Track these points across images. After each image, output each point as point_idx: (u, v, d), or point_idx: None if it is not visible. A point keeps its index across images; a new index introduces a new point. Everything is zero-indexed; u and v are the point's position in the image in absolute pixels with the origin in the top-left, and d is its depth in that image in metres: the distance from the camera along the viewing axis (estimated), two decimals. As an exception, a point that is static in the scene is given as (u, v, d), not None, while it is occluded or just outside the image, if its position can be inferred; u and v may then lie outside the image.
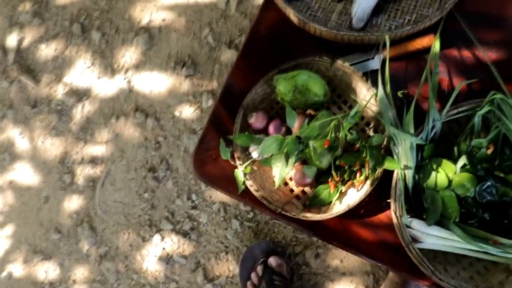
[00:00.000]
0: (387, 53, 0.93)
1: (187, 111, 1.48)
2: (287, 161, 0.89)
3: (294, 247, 1.33)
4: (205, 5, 1.55)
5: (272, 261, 1.24)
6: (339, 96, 1.05)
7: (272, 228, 1.35)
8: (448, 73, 0.98)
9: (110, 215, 1.51)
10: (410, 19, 1.03)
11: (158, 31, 1.58)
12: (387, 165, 0.89)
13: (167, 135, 1.48)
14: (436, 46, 0.93)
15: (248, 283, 1.29)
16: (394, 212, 0.89)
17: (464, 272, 0.88)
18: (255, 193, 0.95)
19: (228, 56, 1.47)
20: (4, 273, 1.62)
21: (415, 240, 0.87)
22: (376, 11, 1.04)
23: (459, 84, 0.89)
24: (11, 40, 1.73)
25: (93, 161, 1.56)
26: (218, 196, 1.40)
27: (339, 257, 1.29)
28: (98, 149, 1.56)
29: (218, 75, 1.47)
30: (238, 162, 0.96)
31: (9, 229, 1.63)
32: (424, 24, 0.97)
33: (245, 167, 0.94)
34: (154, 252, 1.45)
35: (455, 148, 0.92)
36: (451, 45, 0.99)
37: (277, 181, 0.89)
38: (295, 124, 0.95)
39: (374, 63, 1.02)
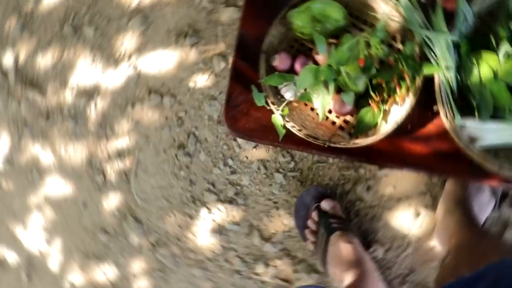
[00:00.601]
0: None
1: (201, 80, 1.45)
2: (327, 89, 0.86)
3: (344, 185, 1.31)
4: None
5: (325, 204, 1.23)
6: (357, 18, 1.02)
7: (316, 172, 1.33)
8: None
9: (151, 202, 1.50)
10: None
11: (150, 9, 1.54)
12: (427, 70, 0.86)
13: (187, 108, 1.46)
14: None
15: (306, 231, 1.28)
16: (445, 117, 0.86)
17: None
18: (298, 134, 0.92)
19: (228, 14, 1.43)
20: (67, 285, 1.63)
21: (473, 139, 0.84)
22: None
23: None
24: (7, 60, 1.70)
25: (120, 154, 1.54)
26: (255, 154, 1.38)
27: (391, 184, 1.27)
28: (122, 142, 1.54)
29: (223, 36, 1.43)
30: (273, 107, 0.94)
31: (58, 243, 1.64)
32: None
33: (282, 109, 0.92)
34: (205, 226, 1.44)
35: (492, 39, 0.89)
36: None
37: (321, 112, 0.87)
38: (324, 53, 0.92)
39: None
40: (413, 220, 1.27)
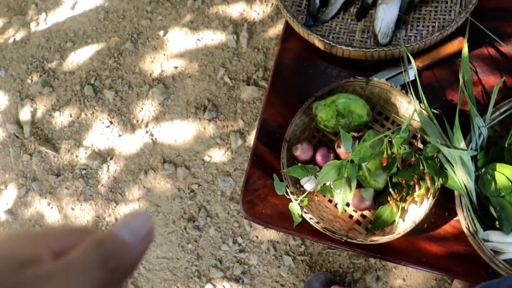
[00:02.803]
0: (413, 65, 0.94)
1: (217, 155, 1.48)
2: (349, 185, 0.88)
3: (353, 273, 1.31)
4: (215, 46, 1.58)
5: (334, 292, 1.22)
6: (379, 113, 1.06)
7: (326, 258, 1.33)
8: (482, 73, 0.99)
9: (155, 272, 1.49)
10: (434, 26, 1.04)
11: (172, 80, 1.60)
12: (448, 183, 0.89)
13: (200, 182, 1.48)
14: (466, 47, 0.94)
15: (313, 318, 1.26)
16: (466, 229, 0.88)
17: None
18: (315, 226, 0.94)
19: (249, 92, 1.48)
20: None
21: (497, 253, 0.85)
22: (398, 23, 1.05)
23: (497, 85, 0.90)
24: (25, 113, 1.75)
25: (128, 220, 1.55)
26: (265, 234, 1.39)
27: (401, 276, 1.28)
28: (131, 207, 1.55)
29: (242, 113, 1.48)
30: (292, 197, 0.96)
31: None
32: (452, 28, 0.98)
33: (302, 200, 0.94)
34: (208, 303, 1.43)
35: (506, 150, 0.92)
36: (480, 45, 1.00)
37: (340, 207, 0.89)
38: (349, 149, 0.95)
39: (407, 75, 1.03)
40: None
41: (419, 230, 0.94)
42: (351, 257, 1.31)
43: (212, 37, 1.60)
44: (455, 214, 0.94)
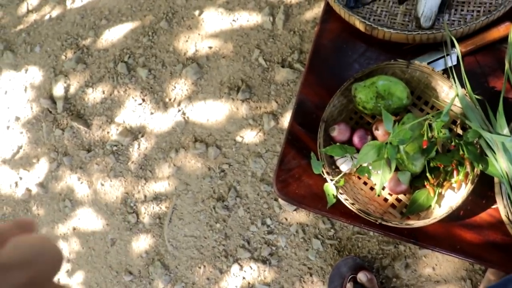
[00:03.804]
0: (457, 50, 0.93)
1: (249, 136, 1.50)
2: (388, 166, 0.89)
3: (382, 260, 1.32)
4: (251, 27, 1.59)
5: (362, 276, 1.23)
6: (419, 98, 1.05)
7: (355, 243, 1.34)
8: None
9: (182, 250, 1.52)
10: (479, 11, 1.03)
11: (206, 60, 1.61)
12: (489, 170, 0.88)
13: (231, 162, 1.50)
14: (508, 31, 0.93)
15: (339, 302, 1.28)
16: (506, 217, 0.88)
17: None
18: (350, 207, 0.95)
19: (283, 75, 1.49)
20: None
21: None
22: (442, 7, 1.05)
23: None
24: (59, 89, 1.79)
25: (157, 197, 1.58)
26: (295, 217, 1.40)
27: (431, 265, 1.28)
28: (160, 185, 1.58)
29: (276, 95, 1.49)
30: (328, 177, 0.97)
31: (79, 276, 1.66)
32: (499, 13, 0.98)
33: (338, 180, 0.95)
34: (234, 283, 1.45)
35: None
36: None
37: (378, 189, 0.89)
38: (382, 131, 0.95)
39: (449, 60, 1.02)
40: (450, 306, 1.27)
41: (454, 217, 0.94)
42: (380, 243, 1.32)
43: (248, 18, 1.61)
44: (493, 202, 0.94)
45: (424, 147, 0.88)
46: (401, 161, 0.93)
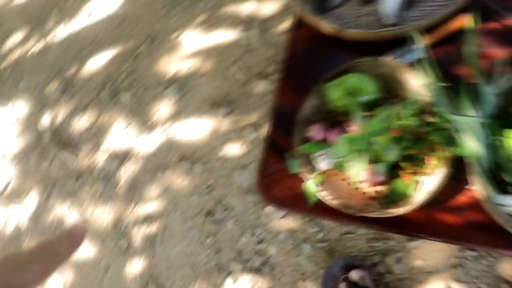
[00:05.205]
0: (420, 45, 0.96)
1: (232, 149, 1.53)
2: (362, 157, 0.91)
3: (372, 257, 1.33)
4: (228, 44, 1.64)
5: (354, 275, 1.24)
6: (389, 92, 1.08)
7: (345, 244, 1.36)
8: (490, 47, 1.01)
9: (175, 269, 1.53)
10: (440, 4, 1.07)
11: (186, 79, 1.66)
12: (461, 151, 0.91)
13: (217, 176, 1.53)
14: (471, 22, 0.97)
15: (334, 304, 1.28)
16: (481, 196, 0.90)
17: None
18: (331, 203, 0.97)
19: (261, 87, 1.53)
20: None
21: (509, 215, 0.87)
22: (405, 4, 1.09)
23: (503, 57, 0.93)
24: (45, 121, 1.82)
25: (147, 219, 1.60)
26: (283, 224, 1.42)
27: (421, 257, 1.29)
28: (150, 207, 1.60)
29: (256, 107, 1.53)
30: (306, 175, 0.99)
31: (75, 307, 1.66)
32: (456, 5, 1.01)
33: (316, 177, 0.97)
34: (229, 296, 1.46)
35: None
36: (489, 18, 1.02)
37: (354, 181, 0.92)
38: (355, 126, 0.98)
39: (417, 54, 1.06)
40: (445, 295, 1.28)
41: (434, 202, 0.96)
42: (369, 241, 1.34)
43: (224, 36, 1.66)
44: (469, 184, 0.95)
45: (395, 135, 0.91)
46: (376, 153, 0.96)
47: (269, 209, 1.44)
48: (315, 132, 1.03)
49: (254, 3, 1.66)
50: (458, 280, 1.26)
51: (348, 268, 1.28)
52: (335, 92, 1.01)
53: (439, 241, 0.99)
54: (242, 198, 1.49)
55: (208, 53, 1.67)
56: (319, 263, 1.38)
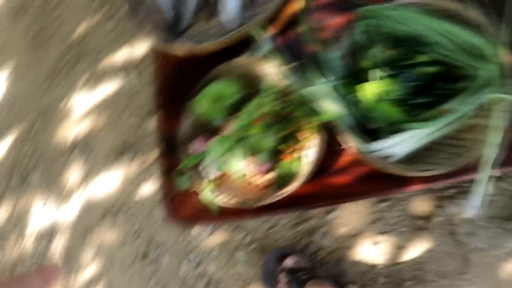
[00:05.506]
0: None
1: (146, 189, 1.54)
2: (238, 152, 0.92)
3: (300, 241, 1.36)
4: (114, 95, 1.66)
5: (288, 261, 1.26)
6: (253, 88, 1.10)
7: (272, 238, 1.39)
8: (329, 18, 1.04)
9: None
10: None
11: (86, 140, 1.66)
12: (323, 117, 0.94)
13: (140, 219, 1.54)
14: (303, 3, 1.01)
15: (281, 295, 1.28)
16: (354, 149, 0.92)
17: (443, 154, 0.89)
18: (229, 204, 0.97)
19: (154, 123, 1.54)
20: None
21: (386, 158, 0.90)
22: (244, 6, 1.11)
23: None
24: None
25: (92, 283, 1.57)
26: (212, 241, 1.44)
27: (342, 224, 1.34)
28: (90, 270, 1.57)
29: (155, 143, 1.52)
30: (198, 186, 0.99)
31: None
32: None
33: (207, 185, 0.97)
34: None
35: (361, 71, 0.98)
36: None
37: (239, 175, 0.92)
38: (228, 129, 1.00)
39: (265, 46, 1.09)
40: (374, 249, 1.30)
41: (321, 170, 0.98)
42: (293, 227, 1.36)
43: (109, 88, 1.69)
44: (344, 144, 0.97)
45: (263, 124, 0.93)
46: (255, 144, 0.97)
47: (195, 231, 1.44)
48: (197, 145, 1.04)
49: (126, 50, 1.69)
50: (381, 232, 1.30)
51: (282, 258, 1.29)
52: (203, 104, 1.03)
53: (341, 203, 1.01)
54: (169, 230, 1.50)
55: (99, 108, 1.66)
56: (256, 264, 1.39)
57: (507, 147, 0.77)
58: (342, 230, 1.33)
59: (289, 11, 1.10)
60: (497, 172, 0.77)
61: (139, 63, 1.65)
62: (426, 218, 1.29)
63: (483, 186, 0.78)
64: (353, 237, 1.31)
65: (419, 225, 1.29)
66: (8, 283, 0.30)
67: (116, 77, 1.68)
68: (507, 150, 0.77)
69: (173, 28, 1.18)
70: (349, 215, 1.32)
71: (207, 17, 1.19)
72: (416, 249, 1.30)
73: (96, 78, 1.72)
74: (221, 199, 0.97)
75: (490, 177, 0.76)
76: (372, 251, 1.31)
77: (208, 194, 0.98)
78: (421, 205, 1.30)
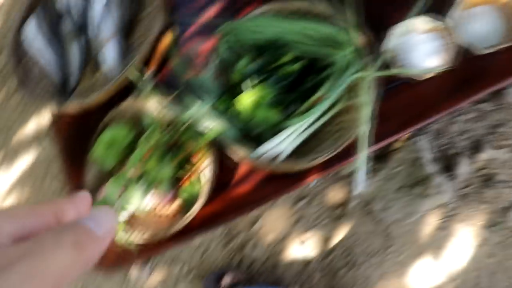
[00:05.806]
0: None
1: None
2: (138, 189, 0.96)
3: (234, 257, 1.39)
4: (32, 166, 1.74)
5: (226, 279, 1.29)
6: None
7: (208, 261, 1.42)
8: (200, 44, 1.09)
9: None
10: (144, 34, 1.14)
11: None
12: (208, 136, 0.98)
13: (81, 277, 1.49)
14: (171, 37, 1.07)
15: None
16: (243, 160, 0.97)
17: (328, 141, 0.94)
18: (144, 238, 0.99)
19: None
20: None
21: (274, 158, 0.94)
22: (123, 53, 1.15)
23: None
24: None
25: None
26: (153, 281, 1.49)
27: (269, 231, 1.38)
28: None
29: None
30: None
31: None
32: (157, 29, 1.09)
33: (119, 227, 0.99)
34: None
35: (236, 85, 1.04)
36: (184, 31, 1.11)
37: (145, 208, 0.96)
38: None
39: (147, 83, 1.13)
40: (303, 248, 1.38)
41: (224, 186, 1.02)
42: (224, 247, 1.41)
43: (25, 160, 1.70)
44: (235, 156, 1.01)
45: (148, 155, 0.97)
46: (155, 177, 1.01)
47: (134, 274, 1.44)
48: (102, 193, 1.06)
49: (35, 120, 1.71)
50: (306, 230, 1.35)
51: (219, 279, 1.31)
52: (99, 152, 1.06)
53: (248, 212, 1.05)
54: (109, 281, 1.50)
55: (20, 182, 1.67)
56: (199, 291, 1.40)
57: (378, 118, 0.85)
58: (269, 238, 1.37)
59: (162, 48, 1.16)
60: (374, 145, 0.84)
61: (49, 130, 1.64)
62: (343, 205, 1.35)
63: (364, 160, 0.84)
64: (281, 241, 1.36)
65: (338, 214, 1.36)
66: (41, 206, 0.26)
67: (30, 148, 1.71)
68: (378, 121, 0.85)
69: (63, 90, 1.21)
70: (272, 221, 1.37)
71: (93, 71, 1.23)
72: (341, 237, 1.36)
73: (11, 154, 1.74)
74: (135, 237, 1.00)
75: (370, 152, 0.83)
76: (302, 250, 1.36)
77: (122, 235, 1.01)
78: (335, 194, 1.36)
